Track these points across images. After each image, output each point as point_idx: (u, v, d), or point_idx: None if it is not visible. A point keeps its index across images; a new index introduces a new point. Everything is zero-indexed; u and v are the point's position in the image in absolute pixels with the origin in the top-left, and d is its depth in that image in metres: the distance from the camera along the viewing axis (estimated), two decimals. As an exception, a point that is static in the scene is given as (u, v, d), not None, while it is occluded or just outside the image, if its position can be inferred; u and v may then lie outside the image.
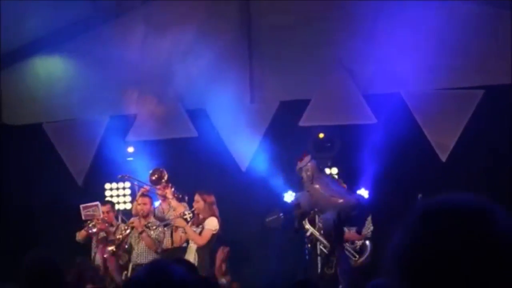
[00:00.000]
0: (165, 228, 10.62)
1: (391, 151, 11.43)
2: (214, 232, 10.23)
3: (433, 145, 11.64)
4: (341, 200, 8.86)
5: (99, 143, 12.80)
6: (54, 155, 12.98)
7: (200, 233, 10.21)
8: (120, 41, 11.95)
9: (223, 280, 8.87)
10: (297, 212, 9.38)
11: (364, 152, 11.31)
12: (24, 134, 13.00)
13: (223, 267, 9.63)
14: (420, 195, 10.92)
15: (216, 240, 10.21)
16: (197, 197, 10.38)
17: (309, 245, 10.19)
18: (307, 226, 9.98)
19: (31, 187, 12.18)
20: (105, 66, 12.26)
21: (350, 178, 11.35)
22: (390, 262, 1.66)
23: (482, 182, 11.04)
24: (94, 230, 10.80)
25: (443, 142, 11.63)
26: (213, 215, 10.29)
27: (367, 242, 10.19)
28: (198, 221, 10.36)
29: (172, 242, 10.79)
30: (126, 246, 10.64)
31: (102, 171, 12.61)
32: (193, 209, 10.34)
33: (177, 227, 10.49)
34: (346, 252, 9.64)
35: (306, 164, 9.25)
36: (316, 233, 9.94)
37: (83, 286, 6.42)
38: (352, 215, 8.91)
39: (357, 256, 10.02)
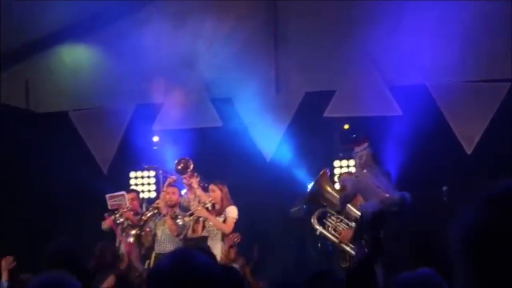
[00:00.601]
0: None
1: (416, 143, 11.40)
2: (235, 221, 10.32)
3: (458, 137, 11.58)
4: (387, 195, 8.86)
5: (124, 132, 12.86)
6: (79, 143, 13.06)
7: (224, 222, 10.27)
8: (147, 30, 11.96)
9: (232, 266, 8.87)
10: (342, 194, 9.36)
11: (389, 144, 11.29)
12: (50, 122, 13.07)
13: (231, 252, 9.69)
14: (445, 188, 10.89)
15: (238, 229, 10.27)
16: (213, 187, 10.45)
17: (319, 245, 10.16)
18: (316, 225, 9.90)
19: (57, 175, 12.25)
20: (131, 55, 12.29)
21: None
22: (455, 243, 1.68)
23: (507, 175, 10.93)
24: (121, 219, 10.85)
25: (469, 134, 11.57)
26: (231, 204, 10.37)
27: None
28: (217, 211, 10.41)
29: (194, 231, 10.83)
30: (148, 229, 10.66)
31: (127, 159, 12.68)
32: (211, 198, 10.40)
33: (198, 217, 10.51)
34: (348, 248, 9.60)
35: (362, 150, 9.25)
36: (325, 232, 9.87)
37: (104, 271, 6.44)
38: (393, 211, 8.88)
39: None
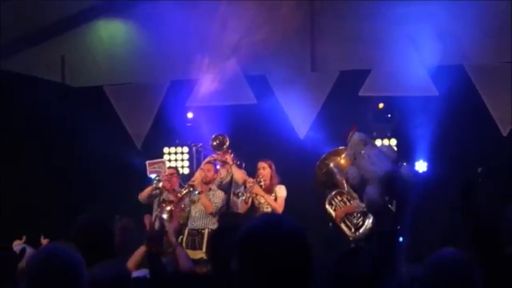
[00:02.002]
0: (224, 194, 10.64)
1: (452, 124, 11.32)
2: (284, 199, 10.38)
3: (494, 118, 11.47)
4: (381, 173, 8.84)
5: (159, 107, 12.88)
6: (114, 118, 13.11)
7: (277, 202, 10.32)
8: (183, 6, 11.95)
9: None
10: (349, 188, 9.39)
11: (424, 124, 11.20)
12: (85, 97, 13.13)
13: None
14: (480, 169, 10.79)
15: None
16: (263, 164, 10.44)
17: (330, 224, 10.14)
18: (326, 205, 9.88)
19: (91, 149, 12.33)
20: (167, 31, 12.28)
21: (409, 150, 11.29)
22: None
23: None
24: (160, 185, 10.90)
25: (505, 116, 11.44)
26: (279, 182, 10.39)
27: (369, 219, 9.55)
28: (266, 189, 10.40)
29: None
30: (183, 206, 10.69)
31: (161, 135, 12.72)
32: (261, 177, 10.40)
33: (254, 194, 10.47)
34: (343, 225, 9.58)
35: (350, 138, 9.25)
36: (330, 211, 9.85)
37: (125, 246, 6.41)
38: (393, 187, 8.85)
39: (353, 230, 9.71)
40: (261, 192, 10.30)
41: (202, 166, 10.84)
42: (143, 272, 5.36)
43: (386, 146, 10.88)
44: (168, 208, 10.40)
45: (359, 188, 9.34)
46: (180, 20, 12.07)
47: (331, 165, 9.95)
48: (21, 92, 11.52)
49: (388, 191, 8.98)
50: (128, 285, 4.20)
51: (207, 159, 11.00)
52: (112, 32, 13.15)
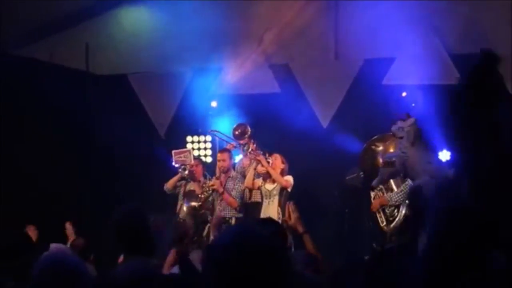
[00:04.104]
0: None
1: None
2: (289, 190, 10.39)
3: (519, 107, 11.37)
4: (437, 172, 8.77)
5: (182, 96, 12.91)
6: (138, 106, 13.18)
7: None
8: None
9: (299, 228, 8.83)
10: (386, 171, 9.25)
11: (448, 113, 11.10)
12: (109, 84, 13.19)
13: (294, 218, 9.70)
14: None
15: (291, 196, 10.33)
16: (276, 155, 10.55)
17: (346, 210, 10.12)
18: (371, 193, 9.87)
19: (115, 137, 12.36)
20: (191, 19, 12.27)
21: (433, 139, 11.23)
22: None
23: None
24: (186, 173, 10.97)
25: (531, 105, 11.34)
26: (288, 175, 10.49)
27: (401, 210, 9.57)
28: (272, 179, 10.49)
29: (250, 196, 10.90)
30: (211, 207, 10.78)
31: (185, 123, 12.75)
32: (270, 160, 10.48)
33: (258, 164, 10.57)
34: (378, 217, 9.56)
35: (409, 126, 9.13)
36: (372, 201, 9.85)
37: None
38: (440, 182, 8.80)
39: (385, 223, 9.71)
40: (265, 162, 10.36)
41: (217, 156, 10.92)
42: (176, 270, 5.41)
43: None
44: (193, 204, 10.49)
45: (396, 173, 9.29)
46: (204, 8, 12.05)
47: (379, 149, 9.93)
48: (45, 80, 11.58)
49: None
50: (155, 284, 4.24)
51: (227, 147, 11.09)
52: (135, 20, 13.11)
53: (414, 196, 8.88)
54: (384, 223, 9.58)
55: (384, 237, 9.69)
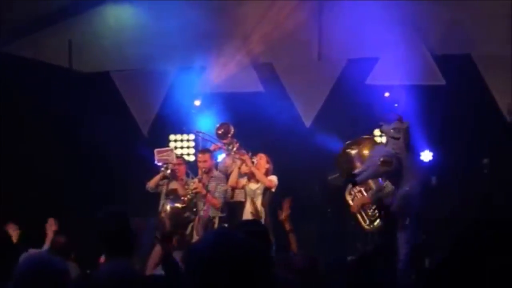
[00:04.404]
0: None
1: (459, 113, 11.31)
2: (273, 189, 10.41)
3: (501, 108, 11.45)
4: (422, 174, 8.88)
5: (166, 94, 12.88)
6: (121, 104, 13.14)
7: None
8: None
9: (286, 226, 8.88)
10: (381, 169, 9.18)
11: (430, 113, 11.19)
12: (92, 82, 13.15)
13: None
14: (485, 160, 10.81)
15: (274, 196, 10.36)
16: (262, 155, 10.57)
17: (329, 210, 10.17)
18: (347, 197, 9.92)
19: (97, 135, 12.32)
20: (175, 17, 12.25)
21: (415, 140, 11.28)
22: None
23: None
24: (168, 172, 10.97)
25: (512, 105, 11.43)
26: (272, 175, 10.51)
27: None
28: (256, 179, 10.51)
29: (233, 195, 10.90)
30: (194, 210, 10.76)
31: (168, 122, 12.72)
32: (255, 160, 10.50)
33: (242, 163, 10.58)
34: (359, 217, 9.61)
35: (403, 128, 9.16)
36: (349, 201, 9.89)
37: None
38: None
39: (368, 222, 9.74)
40: (249, 163, 10.39)
41: (198, 157, 10.93)
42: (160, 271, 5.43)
43: None
44: (178, 205, 10.49)
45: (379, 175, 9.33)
46: (189, 6, 12.03)
47: (353, 153, 9.96)
48: (28, 77, 11.54)
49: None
50: (136, 285, 4.24)
51: (212, 148, 11.09)
52: (120, 17, 13.07)
53: (404, 201, 8.98)
54: (367, 222, 9.61)
55: (367, 237, 9.74)
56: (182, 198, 10.63)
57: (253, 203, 10.36)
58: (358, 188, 9.65)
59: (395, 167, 9.00)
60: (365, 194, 9.63)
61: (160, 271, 5.36)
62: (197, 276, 2.48)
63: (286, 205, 8.78)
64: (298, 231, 10.05)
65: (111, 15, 13.14)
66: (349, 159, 10.00)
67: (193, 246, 2.62)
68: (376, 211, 9.48)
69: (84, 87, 12.93)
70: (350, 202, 9.76)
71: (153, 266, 5.55)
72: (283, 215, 8.53)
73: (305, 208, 11.58)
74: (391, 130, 9.19)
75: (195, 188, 10.60)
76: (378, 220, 9.49)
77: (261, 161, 10.57)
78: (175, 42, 12.32)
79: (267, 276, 2.59)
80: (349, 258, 9.05)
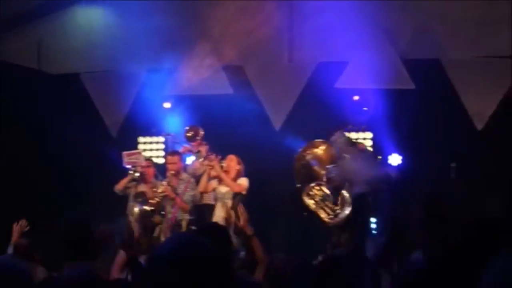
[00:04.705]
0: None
1: (427, 118, 11.38)
2: (244, 192, 10.39)
3: (469, 113, 11.53)
4: (371, 174, 8.92)
5: (135, 96, 12.82)
6: (90, 105, 13.05)
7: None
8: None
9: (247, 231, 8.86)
10: (330, 186, 9.42)
11: (399, 118, 11.26)
12: (61, 83, 13.06)
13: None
14: (453, 164, 10.89)
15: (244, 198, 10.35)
16: (232, 157, 10.55)
17: (305, 213, 10.21)
18: (305, 198, 9.97)
19: (66, 136, 12.24)
20: (146, 19, 12.22)
21: (384, 143, 11.34)
22: None
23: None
24: (136, 175, 10.93)
25: (480, 110, 11.52)
26: (243, 177, 10.48)
27: (348, 208, 9.65)
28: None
29: (202, 198, 10.88)
30: (162, 212, 10.74)
31: (137, 124, 12.66)
32: (224, 163, 10.48)
33: (211, 169, 10.55)
34: (322, 212, 9.67)
35: (337, 140, 9.30)
36: (310, 204, 9.93)
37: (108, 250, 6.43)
38: (379, 187, 8.97)
39: (333, 215, 9.81)
40: (218, 168, 10.36)
41: (167, 159, 10.90)
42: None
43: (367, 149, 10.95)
44: (147, 208, 10.46)
45: (340, 187, 9.44)
46: (159, 8, 12.01)
47: (309, 157, 10.00)
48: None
49: (374, 191, 9.11)
50: (97, 286, 4.22)
51: (182, 150, 11.07)
52: (90, 19, 13.00)
53: (359, 204, 9.06)
54: (331, 215, 9.69)
55: (333, 236, 9.77)
56: (151, 201, 10.59)
57: (225, 206, 10.32)
58: (317, 188, 9.72)
59: (337, 181, 9.19)
60: (324, 189, 9.70)
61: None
62: (158, 281, 2.48)
63: (240, 210, 8.80)
64: (267, 234, 10.08)
65: (81, 16, 13.07)
66: (305, 164, 10.05)
67: (154, 252, 2.62)
68: (339, 206, 9.57)
69: (53, 89, 12.83)
70: (309, 203, 9.80)
71: (118, 270, 5.49)
72: (242, 220, 8.52)
73: (274, 211, 11.60)
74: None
75: (163, 192, 10.57)
76: (339, 217, 9.56)
77: (231, 163, 10.55)
78: (145, 44, 12.29)
79: (227, 280, 2.59)
80: (317, 259, 9.07)
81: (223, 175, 10.42)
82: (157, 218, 10.60)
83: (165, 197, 10.57)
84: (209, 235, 3.97)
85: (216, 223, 5.94)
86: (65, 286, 4.18)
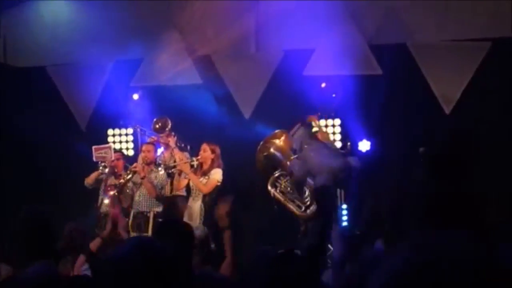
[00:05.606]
0: (167, 175, 10.65)
1: (395, 103, 11.42)
2: (218, 184, 10.31)
3: (437, 97, 11.58)
4: (332, 165, 8.96)
5: (103, 88, 12.74)
6: (58, 98, 12.94)
7: (205, 183, 10.29)
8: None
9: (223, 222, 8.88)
10: (292, 180, 9.46)
11: (368, 103, 11.28)
12: (28, 77, 12.93)
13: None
14: (422, 149, 10.90)
15: (219, 190, 10.30)
16: (205, 147, 10.44)
17: (276, 206, 10.24)
18: (271, 189, 10.00)
19: (34, 130, 12.13)
20: (111, 9, 12.13)
21: (353, 129, 11.36)
22: None
23: (486, 137, 10.98)
24: (106, 170, 10.87)
25: (448, 94, 11.57)
26: (218, 166, 10.36)
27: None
28: (202, 171, 10.40)
29: (172, 190, 10.84)
30: (128, 191, 10.69)
31: (106, 116, 12.56)
32: (199, 157, 10.41)
33: (180, 172, 10.53)
34: (292, 205, 9.72)
35: (295, 132, 9.33)
36: (279, 197, 9.96)
37: (74, 252, 6.40)
38: (342, 177, 9.01)
39: (303, 208, 9.86)
40: (188, 171, 10.31)
41: (142, 147, 10.86)
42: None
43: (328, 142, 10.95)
44: (112, 192, 10.39)
45: (302, 179, 9.47)
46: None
47: (272, 149, 10.02)
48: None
49: (336, 181, 9.15)
50: (62, 286, 4.19)
51: (148, 141, 11.02)
52: (54, 12, 12.88)
53: (321, 197, 9.10)
54: (302, 208, 9.72)
55: (301, 226, 9.82)
56: (120, 174, 10.61)
57: (198, 199, 10.27)
58: (283, 179, 9.77)
59: (298, 175, 9.26)
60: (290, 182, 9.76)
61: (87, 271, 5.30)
62: (114, 282, 2.49)
63: (227, 201, 8.82)
64: (238, 226, 10.07)
65: (46, 9, 12.96)
66: (268, 155, 10.08)
67: (111, 254, 2.63)
68: (308, 198, 9.61)
69: (20, 82, 12.71)
70: (275, 194, 9.83)
71: (79, 266, 5.47)
72: (217, 213, 8.58)
73: (245, 202, 11.56)
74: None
75: (134, 167, 10.55)
76: (312, 206, 9.60)
77: (205, 154, 10.43)
78: (112, 35, 12.21)
79: (185, 279, 2.62)
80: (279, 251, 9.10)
81: (191, 175, 10.32)
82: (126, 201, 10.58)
83: (134, 174, 10.52)
84: (170, 234, 3.96)
85: (179, 220, 5.92)
86: (24, 287, 4.14)
